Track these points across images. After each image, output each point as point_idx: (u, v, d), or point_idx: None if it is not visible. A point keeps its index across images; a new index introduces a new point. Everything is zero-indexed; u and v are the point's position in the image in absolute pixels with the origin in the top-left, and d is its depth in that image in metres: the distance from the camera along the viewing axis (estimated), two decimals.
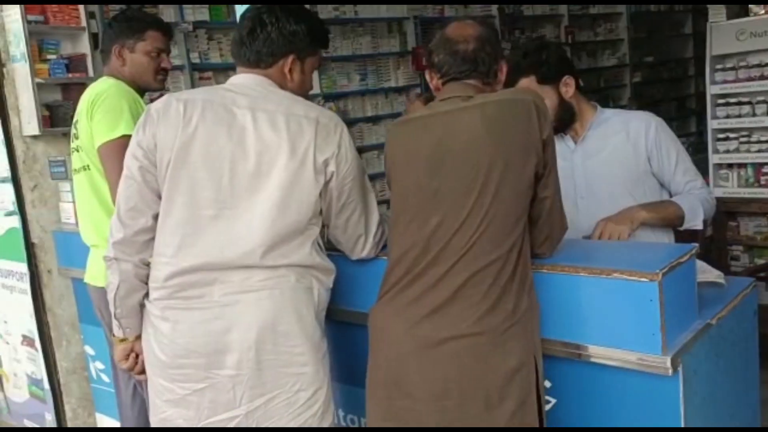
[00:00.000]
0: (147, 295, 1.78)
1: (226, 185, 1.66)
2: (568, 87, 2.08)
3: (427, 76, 1.75)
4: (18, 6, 3.18)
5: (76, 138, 2.39)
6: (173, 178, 1.68)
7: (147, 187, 1.72)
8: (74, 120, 2.42)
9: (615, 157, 2.11)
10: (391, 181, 1.72)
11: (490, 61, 1.64)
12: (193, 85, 4.82)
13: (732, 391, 1.76)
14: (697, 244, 1.63)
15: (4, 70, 3.33)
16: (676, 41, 9.11)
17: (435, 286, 1.53)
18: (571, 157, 2.16)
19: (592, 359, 1.58)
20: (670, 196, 2.16)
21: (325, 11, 5.58)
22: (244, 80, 1.77)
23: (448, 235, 1.53)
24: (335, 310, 1.88)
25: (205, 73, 4.95)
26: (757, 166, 4.09)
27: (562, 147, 2.14)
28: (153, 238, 1.74)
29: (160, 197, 1.72)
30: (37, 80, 3.24)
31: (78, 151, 2.39)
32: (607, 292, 1.53)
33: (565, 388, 1.66)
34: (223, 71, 5.07)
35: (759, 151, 4.07)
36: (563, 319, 1.61)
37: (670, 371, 1.45)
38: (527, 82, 2.03)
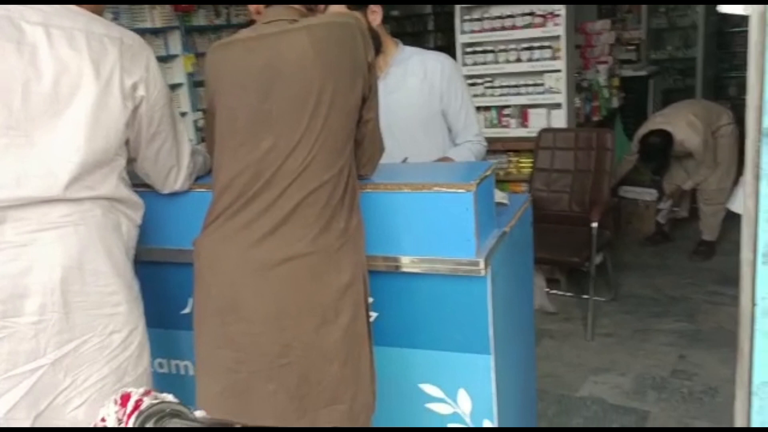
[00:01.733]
0: None
1: (18, 109, 1.46)
2: (376, 14, 2.15)
3: (250, 6, 1.70)
4: None
5: None
6: None
7: None
8: None
9: (413, 94, 2.25)
10: (214, 105, 1.65)
11: None
12: None
13: (518, 290, 2.03)
14: (495, 161, 1.82)
15: None
16: None
17: (268, 210, 1.52)
18: None
19: (411, 270, 1.70)
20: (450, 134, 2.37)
21: None
22: None
23: (281, 158, 1.52)
24: (143, 250, 1.78)
25: None
26: (499, 109, 4.61)
27: None
28: None
29: None
30: None
31: None
32: (427, 206, 1.65)
33: (387, 300, 1.77)
34: None
35: (501, 95, 4.58)
36: (384, 236, 1.71)
37: (483, 272, 1.63)
38: (338, 8, 2.05)
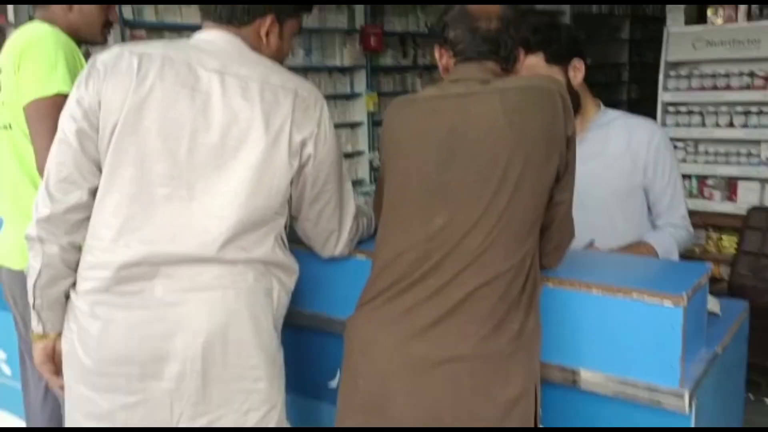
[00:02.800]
0: (75, 284, 1.49)
1: (184, 159, 1.40)
2: (578, 72, 1.91)
3: (437, 53, 1.54)
4: None
5: None
6: (119, 147, 1.40)
7: (85, 155, 1.43)
8: None
9: (613, 164, 1.96)
10: (386, 170, 1.50)
11: (512, 45, 1.45)
12: (123, 41, 4.39)
13: (726, 416, 1.65)
14: (710, 265, 1.49)
15: None
16: (613, 45, 9.23)
17: (434, 297, 1.33)
18: None
19: (592, 389, 1.41)
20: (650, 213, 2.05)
21: None
22: (213, 37, 1.51)
23: (455, 238, 1.33)
24: (293, 312, 1.65)
25: (137, 31, 4.52)
26: (701, 178, 4.10)
27: None
28: (87, 218, 1.46)
29: (99, 169, 1.44)
30: None
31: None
32: (621, 314, 1.36)
33: (558, 418, 1.48)
34: (157, 31, 4.66)
35: (706, 162, 4.07)
36: (563, 342, 1.44)
37: (686, 409, 1.30)
38: (535, 61, 1.84)
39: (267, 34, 1.53)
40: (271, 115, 1.42)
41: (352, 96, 6.04)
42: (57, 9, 2.02)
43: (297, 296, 1.61)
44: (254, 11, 1.51)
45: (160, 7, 4.64)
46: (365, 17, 5.88)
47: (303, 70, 5.66)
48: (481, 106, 1.36)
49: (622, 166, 1.97)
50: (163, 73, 1.41)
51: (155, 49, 1.46)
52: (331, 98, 5.82)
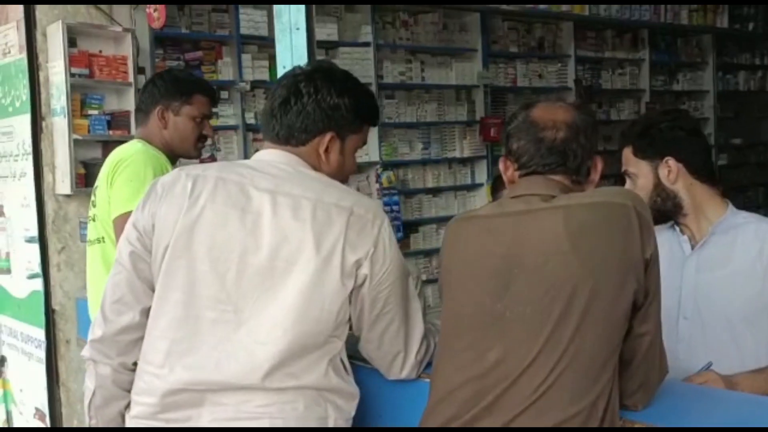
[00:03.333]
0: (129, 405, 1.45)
1: (232, 282, 1.35)
2: (669, 171, 1.68)
3: (501, 165, 1.42)
4: (62, 59, 3.03)
5: (94, 206, 2.16)
6: (170, 269, 1.37)
7: (138, 276, 1.42)
8: (95, 185, 2.19)
9: (740, 274, 1.65)
10: (443, 292, 1.37)
11: (583, 155, 1.31)
12: (245, 147, 4.60)
13: None
14: None
15: (44, 123, 3.17)
16: (766, 123, 8.52)
17: None
18: (682, 264, 1.71)
19: None
20: None
21: (390, 75, 5.36)
22: (270, 157, 1.48)
23: (511, 377, 1.16)
24: None
25: (260, 134, 4.74)
26: None
27: (674, 249, 1.72)
28: (140, 339, 1.43)
29: (153, 290, 1.41)
30: (75, 136, 3.07)
31: (94, 220, 2.15)
32: None
33: None
34: None
35: None
36: None
37: None
38: (626, 153, 1.69)
39: (326, 151, 1.48)
40: (323, 234, 1.35)
41: (472, 187, 5.93)
42: (153, 127, 2.13)
43: (357, 417, 1.47)
44: (312, 129, 1.46)
45: None
46: (485, 108, 5.84)
47: (422, 163, 5.67)
48: (542, 227, 1.21)
49: (751, 278, 1.65)
50: (215, 195, 1.39)
51: (211, 170, 1.45)
52: (452, 190, 5.73)
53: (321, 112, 1.47)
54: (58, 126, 3.13)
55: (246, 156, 4.62)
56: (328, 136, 1.47)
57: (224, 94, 4.47)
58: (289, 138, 1.47)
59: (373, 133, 5.19)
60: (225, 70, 4.53)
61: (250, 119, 4.68)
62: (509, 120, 1.39)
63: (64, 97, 3.05)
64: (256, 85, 4.68)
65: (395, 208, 5.15)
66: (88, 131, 3.14)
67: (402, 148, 5.51)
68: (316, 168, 1.48)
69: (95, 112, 3.18)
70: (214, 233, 1.37)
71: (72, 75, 3.06)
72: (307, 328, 1.34)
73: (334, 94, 1.47)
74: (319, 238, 1.35)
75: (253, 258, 1.35)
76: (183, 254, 1.37)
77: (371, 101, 1.59)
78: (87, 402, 1.48)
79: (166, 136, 2.13)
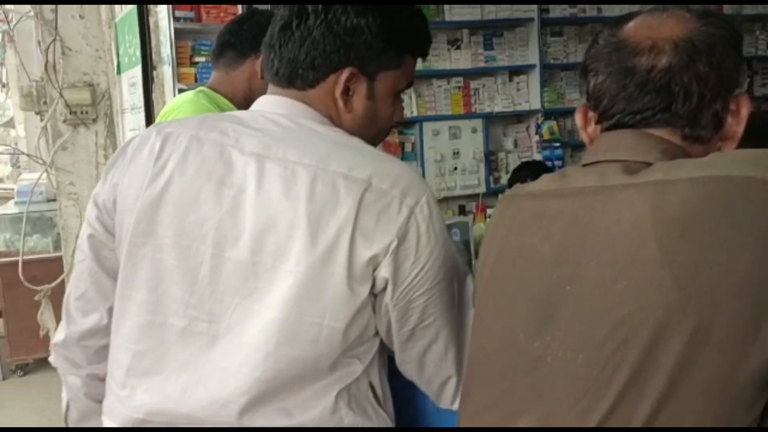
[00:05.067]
0: None
1: (206, 282, 0.99)
2: None
3: (578, 119, 0.91)
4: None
5: None
6: (132, 259, 1.03)
7: (101, 267, 1.10)
8: None
9: None
10: (474, 305, 0.95)
11: (705, 93, 0.78)
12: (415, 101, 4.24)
13: None
14: None
15: (155, 73, 3.01)
16: None
17: None
18: None
19: None
20: None
21: (558, 8, 4.64)
22: (269, 106, 1.07)
23: None
24: None
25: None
26: None
27: None
28: None
29: None
30: (179, 86, 2.87)
31: None
32: None
33: None
34: (426, 80, 4.40)
35: None
36: None
37: None
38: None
39: (345, 94, 1.04)
40: (322, 218, 0.94)
41: None
42: (243, 74, 1.77)
43: None
44: (323, 64, 1.03)
45: (429, 53, 4.37)
46: None
47: None
48: (617, 217, 0.72)
49: None
50: (186, 161, 1.01)
51: (186, 127, 1.06)
52: None
53: (333, 38, 1.02)
54: (167, 75, 2.95)
55: None
56: (345, 73, 1.03)
57: None
58: (292, 78, 1.04)
59: (534, 76, 4.54)
60: None
61: None
62: (592, 42, 0.84)
63: (168, 43, 2.85)
64: None
65: (557, 163, 4.50)
66: (195, 80, 2.93)
67: (570, 93, 4.79)
68: (334, 120, 1.05)
69: (203, 59, 2.96)
70: (183, 214, 1.00)
71: (176, 19, 2.84)
72: (299, 353, 0.96)
73: (351, 13, 1.02)
74: (316, 224, 0.94)
75: (232, 250, 0.97)
76: (147, 240, 1.01)
77: (413, 20, 1.09)
78: (64, 417, 1.22)
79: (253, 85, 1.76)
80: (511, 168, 4.39)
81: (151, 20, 2.99)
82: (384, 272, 0.95)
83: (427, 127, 4.40)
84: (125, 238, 1.03)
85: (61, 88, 3.87)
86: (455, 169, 4.49)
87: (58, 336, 1.16)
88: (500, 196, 0.99)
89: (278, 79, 1.06)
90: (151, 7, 2.96)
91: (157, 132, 1.05)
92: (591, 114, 0.85)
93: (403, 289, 0.97)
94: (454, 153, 4.49)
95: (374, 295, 0.97)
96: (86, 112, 3.93)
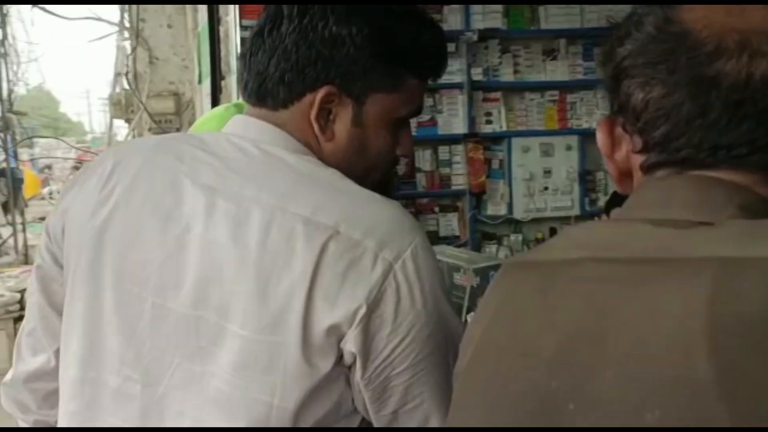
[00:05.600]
0: None
1: (145, 332, 0.83)
2: None
3: (600, 136, 0.62)
4: (233, 10, 2.73)
5: None
6: (72, 300, 0.89)
7: (49, 303, 0.96)
8: None
9: None
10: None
11: None
12: (470, 108, 3.96)
13: None
14: None
15: (223, 83, 2.94)
16: None
17: None
18: None
19: None
20: None
21: None
22: (238, 129, 0.90)
23: None
24: None
25: (491, 94, 4.04)
26: None
27: None
28: None
29: None
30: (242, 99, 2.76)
31: None
32: None
33: None
34: (518, 92, 4.11)
35: None
36: None
37: None
38: None
39: (318, 117, 0.85)
40: (274, 272, 0.77)
41: None
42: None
43: None
44: (296, 79, 0.85)
45: (523, 65, 4.08)
46: None
47: None
48: (653, 308, 0.47)
49: None
50: (133, 190, 0.86)
51: (142, 150, 0.92)
52: None
53: (308, 49, 0.84)
54: (234, 86, 2.87)
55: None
56: (322, 92, 0.84)
57: (450, 47, 3.89)
58: (261, 94, 0.87)
59: None
60: (451, 19, 3.92)
61: (477, 75, 4.02)
62: (622, 34, 0.57)
63: (235, 53, 2.77)
64: (485, 34, 3.99)
65: None
66: None
67: None
68: (314, 150, 0.87)
69: None
70: (125, 252, 0.84)
71: (243, 28, 2.74)
72: None
73: (331, 19, 0.83)
74: (266, 280, 0.77)
75: (174, 300, 0.81)
76: (88, 280, 0.87)
77: (419, 34, 0.88)
78: None
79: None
80: (610, 190, 4.02)
81: (221, 29, 2.92)
82: (350, 346, 0.75)
83: (517, 143, 4.10)
84: (69, 274, 0.89)
85: (147, 96, 3.94)
86: (546, 188, 4.16)
87: (8, 374, 1.03)
88: (510, 259, 0.73)
89: (247, 95, 0.88)
90: (222, 16, 2.90)
91: (113, 153, 0.92)
92: (622, 133, 0.58)
93: (377, 366, 0.77)
94: (545, 171, 4.17)
95: (339, 368, 0.77)
96: (170, 121, 3.98)
